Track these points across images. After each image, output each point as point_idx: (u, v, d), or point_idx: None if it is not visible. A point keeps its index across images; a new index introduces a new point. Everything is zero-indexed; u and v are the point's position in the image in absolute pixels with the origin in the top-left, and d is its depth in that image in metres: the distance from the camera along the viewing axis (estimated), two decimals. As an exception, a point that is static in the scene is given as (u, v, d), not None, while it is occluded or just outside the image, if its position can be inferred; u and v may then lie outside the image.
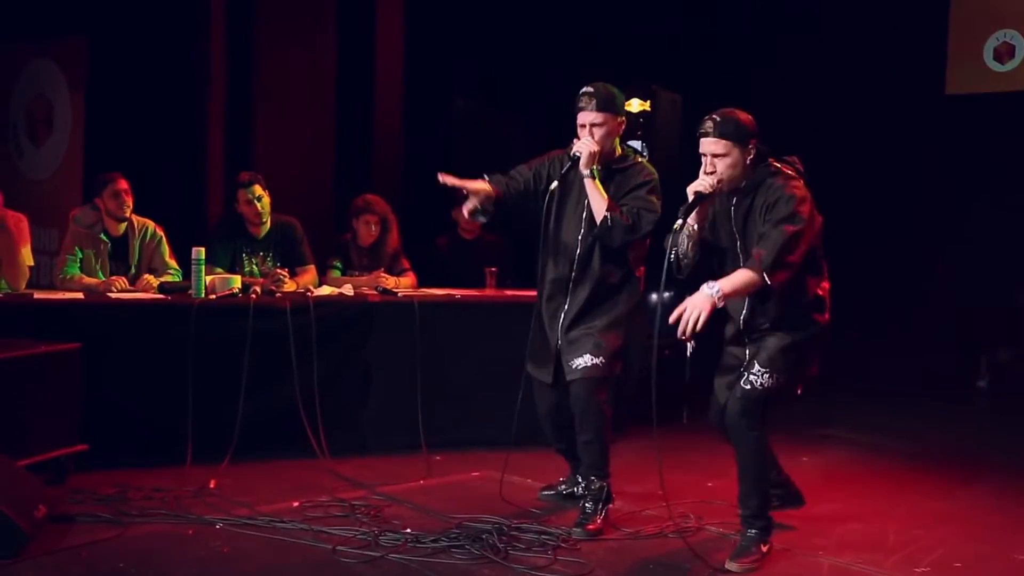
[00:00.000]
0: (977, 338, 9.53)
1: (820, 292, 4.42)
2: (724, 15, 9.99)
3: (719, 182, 4.28)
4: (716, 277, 4.24)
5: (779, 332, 4.34)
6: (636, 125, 8.19)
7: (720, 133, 4.26)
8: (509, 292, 6.76)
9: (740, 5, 10.06)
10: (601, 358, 4.78)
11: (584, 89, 4.76)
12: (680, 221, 4.28)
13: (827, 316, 4.44)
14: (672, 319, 4.11)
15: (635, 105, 8.28)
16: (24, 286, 6.16)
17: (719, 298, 4.12)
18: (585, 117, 4.74)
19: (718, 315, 4.31)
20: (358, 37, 8.97)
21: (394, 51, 9.15)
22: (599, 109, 4.72)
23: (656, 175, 4.86)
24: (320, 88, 8.80)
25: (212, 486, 5.31)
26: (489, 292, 6.79)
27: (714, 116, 4.29)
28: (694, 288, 4.21)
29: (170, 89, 8.21)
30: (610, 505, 4.91)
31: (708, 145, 4.29)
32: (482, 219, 4.98)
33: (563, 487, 5.33)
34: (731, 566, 4.33)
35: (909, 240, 10.01)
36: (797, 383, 4.44)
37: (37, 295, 6.01)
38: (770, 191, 4.26)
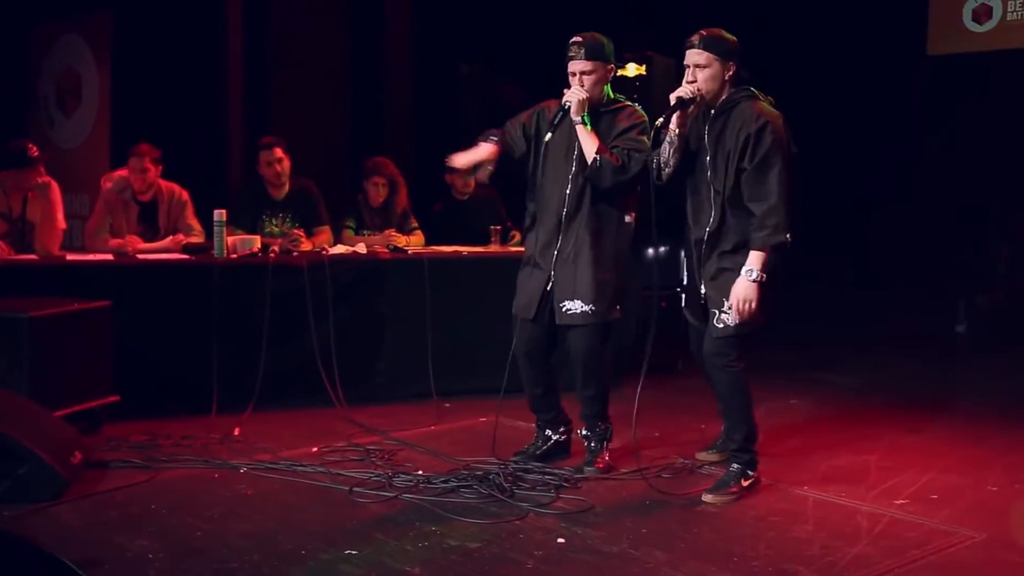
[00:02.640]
0: (956, 285, 9.55)
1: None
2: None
3: (699, 91, 4.32)
4: (688, 188, 4.42)
5: (740, 269, 4.29)
6: (632, 89, 8.15)
7: (704, 45, 4.33)
8: (512, 248, 6.78)
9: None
10: (592, 305, 4.69)
11: (573, 39, 4.67)
12: (662, 119, 4.33)
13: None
14: (738, 320, 4.28)
15: (631, 70, 8.25)
16: (58, 248, 6.20)
17: (759, 278, 4.22)
18: (575, 66, 4.67)
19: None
20: (370, 5, 8.94)
21: (404, 19, 9.12)
22: (588, 57, 4.64)
23: (646, 117, 4.75)
24: (333, 56, 8.79)
25: (236, 433, 5.38)
26: (494, 248, 6.81)
27: (702, 31, 4.37)
28: (679, 240, 4.30)
29: (191, 61, 8.22)
30: (611, 444, 4.93)
31: (692, 56, 4.36)
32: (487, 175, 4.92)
33: (538, 444, 5.05)
34: (707, 498, 4.38)
35: (892, 193, 10.01)
36: (765, 315, 4.39)
37: (70, 257, 6.05)
38: (745, 114, 4.29)
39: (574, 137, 4.70)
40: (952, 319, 9.43)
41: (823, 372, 7.45)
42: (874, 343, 8.67)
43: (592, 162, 4.61)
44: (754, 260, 4.25)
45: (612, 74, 4.79)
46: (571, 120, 4.68)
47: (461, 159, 4.80)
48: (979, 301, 9.71)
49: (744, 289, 4.26)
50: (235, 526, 4.01)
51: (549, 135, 4.71)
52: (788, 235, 4.21)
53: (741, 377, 4.45)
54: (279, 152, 6.60)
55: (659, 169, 4.49)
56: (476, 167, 4.85)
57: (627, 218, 4.81)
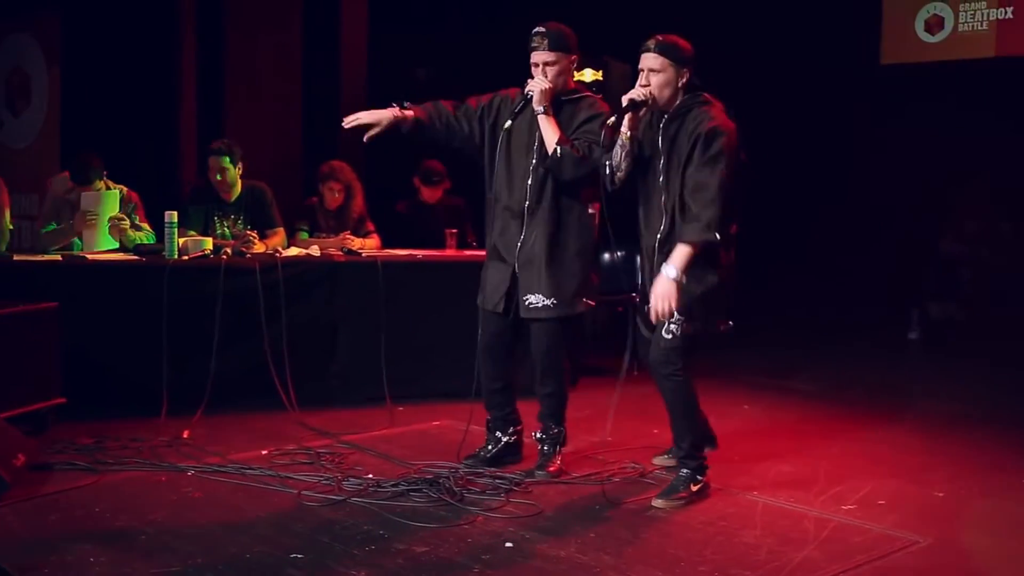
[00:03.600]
0: (909, 292, 9.65)
1: (731, 232, 4.37)
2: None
3: (651, 95, 4.33)
4: (640, 194, 4.44)
5: (691, 276, 4.26)
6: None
7: (659, 50, 4.33)
8: (468, 252, 6.77)
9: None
10: (553, 299, 4.69)
11: (536, 29, 4.65)
12: (612, 120, 4.32)
13: (733, 255, 4.42)
14: (653, 318, 4.28)
15: (588, 75, 8.31)
16: (4, 249, 6.12)
17: (679, 277, 4.19)
18: (538, 56, 4.65)
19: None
20: (324, 11, 8.91)
21: (360, 21, 9.08)
22: (551, 48, 4.63)
23: (608, 108, 4.70)
24: (288, 59, 8.74)
25: (185, 436, 5.31)
26: (449, 252, 6.80)
27: (657, 36, 4.38)
28: (632, 240, 4.34)
29: (144, 61, 8.15)
30: (564, 449, 4.92)
31: (647, 60, 4.36)
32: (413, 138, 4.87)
33: (489, 448, 5.01)
34: (657, 503, 4.39)
35: (846, 200, 10.10)
36: (715, 324, 4.41)
37: (17, 257, 5.97)
38: (698, 118, 4.30)
39: (535, 128, 4.68)
40: (905, 327, 9.51)
41: (776, 378, 7.50)
42: (827, 350, 8.73)
43: (552, 153, 4.59)
44: (678, 257, 4.19)
45: (575, 65, 4.78)
46: (533, 111, 4.65)
47: (353, 119, 4.75)
48: (932, 309, 9.81)
49: (663, 286, 4.19)
50: (180, 529, 3.97)
51: (509, 122, 4.70)
52: (717, 235, 4.19)
53: (686, 385, 4.44)
54: (226, 161, 6.48)
55: (611, 174, 4.48)
56: (368, 127, 4.76)
57: (590, 210, 4.77)
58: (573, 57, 4.74)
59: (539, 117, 4.64)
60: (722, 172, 4.21)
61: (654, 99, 4.35)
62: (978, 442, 5.72)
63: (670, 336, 4.36)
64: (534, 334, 4.80)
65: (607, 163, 4.47)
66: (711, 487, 4.58)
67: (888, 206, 9.93)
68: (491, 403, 5.04)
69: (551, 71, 4.65)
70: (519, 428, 5.05)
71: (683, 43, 4.39)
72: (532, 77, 4.69)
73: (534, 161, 4.71)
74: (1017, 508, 4.61)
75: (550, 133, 4.61)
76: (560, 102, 4.72)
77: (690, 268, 4.24)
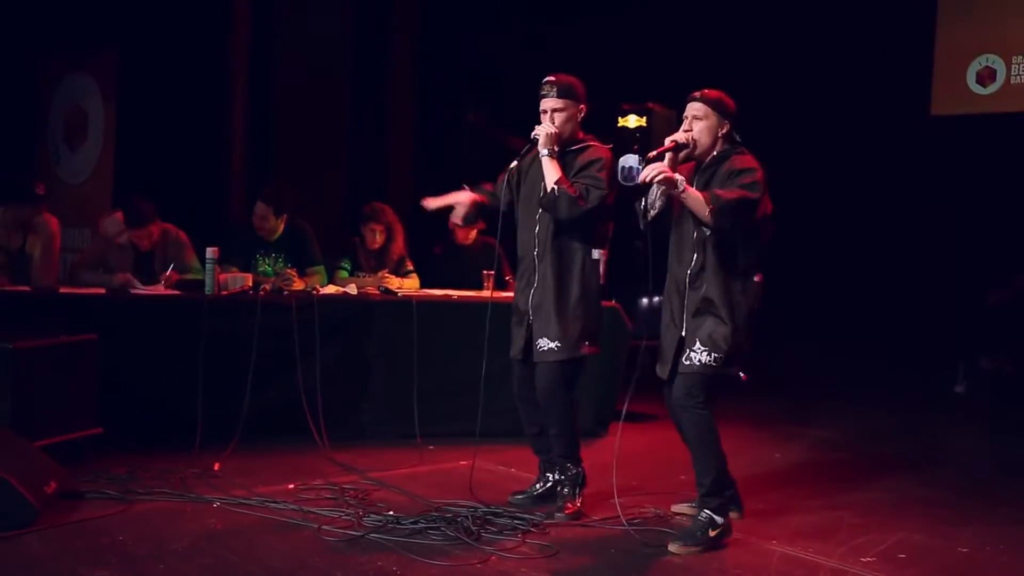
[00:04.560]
0: (956, 344, 9.54)
1: (756, 280, 4.50)
2: (718, 36, 10.04)
3: (693, 139, 4.50)
4: (673, 227, 4.57)
5: (715, 315, 4.42)
6: (633, 140, 8.28)
7: (704, 100, 4.54)
8: (503, 293, 6.82)
9: (733, 26, 10.10)
10: (557, 342, 4.78)
11: (546, 79, 4.84)
12: (654, 152, 4.46)
13: (758, 306, 4.52)
14: (640, 178, 4.33)
15: (632, 121, 8.37)
16: (54, 283, 6.30)
17: (682, 187, 4.27)
18: (546, 103, 4.82)
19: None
20: (373, 52, 9.08)
21: (408, 63, 9.26)
22: (559, 96, 4.79)
23: (609, 155, 4.86)
24: (336, 97, 8.92)
25: (216, 468, 5.40)
26: (485, 293, 6.86)
27: (705, 89, 4.58)
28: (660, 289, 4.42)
29: (195, 99, 8.36)
30: (584, 490, 4.94)
31: (692, 108, 4.57)
32: (473, 222, 5.15)
33: (537, 487, 5.14)
34: (672, 547, 4.39)
35: (896, 252, 10.04)
36: (735, 366, 4.47)
37: (63, 290, 6.14)
38: (734, 163, 4.47)
39: (543, 178, 4.79)
40: (952, 379, 9.40)
41: (813, 428, 7.43)
42: (870, 402, 8.66)
43: (550, 192, 4.71)
44: (693, 191, 4.32)
45: (582, 114, 4.89)
46: (539, 158, 4.80)
47: (433, 202, 5.05)
48: (984, 363, 9.68)
49: (656, 166, 4.30)
50: (197, 559, 4.04)
51: (515, 163, 4.91)
52: (712, 211, 4.26)
53: (709, 420, 4.49)
54: (267, 210, 6.67)
55: (645, 210, 4.59)
56: (468, 216, 5.12)
57: (595, 254, 4.87)
58: (581, 107, 4.87)
59: (543, 159, 4.76)
60: (747, 193, 4.32)
61: (695, 143, 4.52)
62: (1012, 498, 5.64)
63: (689, 364, 4.44)
64: (537, 374, 4.89)
65: (642, 199, 4.60)
66: (731, 530, 4.55)
67: (937, 256, 9.85)
68: (534, 447, 5.19)
69: (558, 117, 4.80)
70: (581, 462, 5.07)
71: (727, 98, 4.60)
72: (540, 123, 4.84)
73: (541, 209, 4.83)
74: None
75: (551, 173, 4.73)
76: (565, 152, 4.84)
77: (724, 296, 4.40)
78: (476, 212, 5.12)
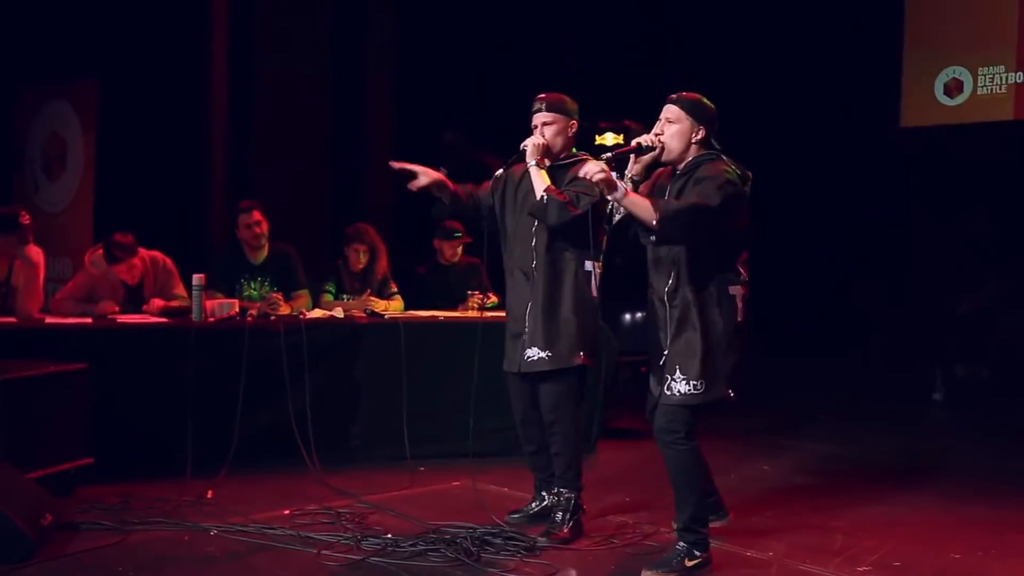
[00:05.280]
0: (931, 352, 9.63)
1: (735, 291, 4.29)
2: (691, 51, 10.12)
3: (661, 142, 4.31)
4: (649, 247, 4.37)
5: (691, 335, 4.23)
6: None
7: (679, 103, 4.34)
8: (489, 313, 6.82)
9: (709, 44, 10.18)
10: (548, 351, 4.76)
11: (538, 96, 4.90)
12: (610, 154, 4.28)
13: (739, 317, 4.29)
14: (580, 173, 4.16)
15: (609, 139, 8.43)
16: (38, 314, 6.25)
17: (622, 192, 4.09)
18: (536, 118, 4.88)
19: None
20: (351, 76, 9.10)
21: (386, 85, 9.27)
22: (547, 110, 4.85)
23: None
24: (315, 121, 8.92)
25: (209, 496, 5.37)
26: (471, 313, 6.87)
27: (682, 92, 4.40)
28: (642, 304, 4.35)
29: (175, 127, 8.33)
30: (580, 515, 4.88)
31: (666, 110, 4.36)
32: (443, 214, 5.13)
33: (533, 507, 5.11)
34: (647, 574, 4.26)
35: (870, 262, 10.12)
36: (721, 387, 4.25)
37: (48, 320, 6.09)
38: (705, 170, 4.24)
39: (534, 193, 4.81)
40: (929, 387, 9.48)
41: (797, 439, 7.49)
42: (849, 412, 8.71)
43: (539, 199, 4.72)
44: (634, 196, 4.15)
45: (573, 130, 4.92)
46: (528, 169, 4.82)
47: (400, 164, 5.03)
48: (959, 370, 9.77)
49: (599, 165, 4.12)
50: (200, 589, 4.03)
51: (501, 171, 4.95)
52: (658, 219, 4.03)
53: (689, 455, 4.28)
54: (257, 215, 6.68)
55: (610, 215, 4.49)
56: (428, 190, 5.03)
57: (587, 265, 4.84)
58: (572, 122, 4.90)
59: (530, 169, 4.79)
60: (700, 202, 4.10)
61: (664, 148, 4.32)
62: (999, 504, 5.70)
63: (670, 394, 4.25)
64: (541, 391, 4.88)
65: (609, 205, 4.47)
66: (711, 562, 4.37)
67: (908, 266, 9.95)
68: (531, 465, 5.16)
69: (548, 131, 4.85)
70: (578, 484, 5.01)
71: (706, 103, 4.38)
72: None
73: (536, 222, 4.83)
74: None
75: (539, 183, 4.75)
76: (556, 167, 4.87)
77: (697, 326, 4.22)
78: (446, 200, 5.02)
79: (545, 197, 4.70)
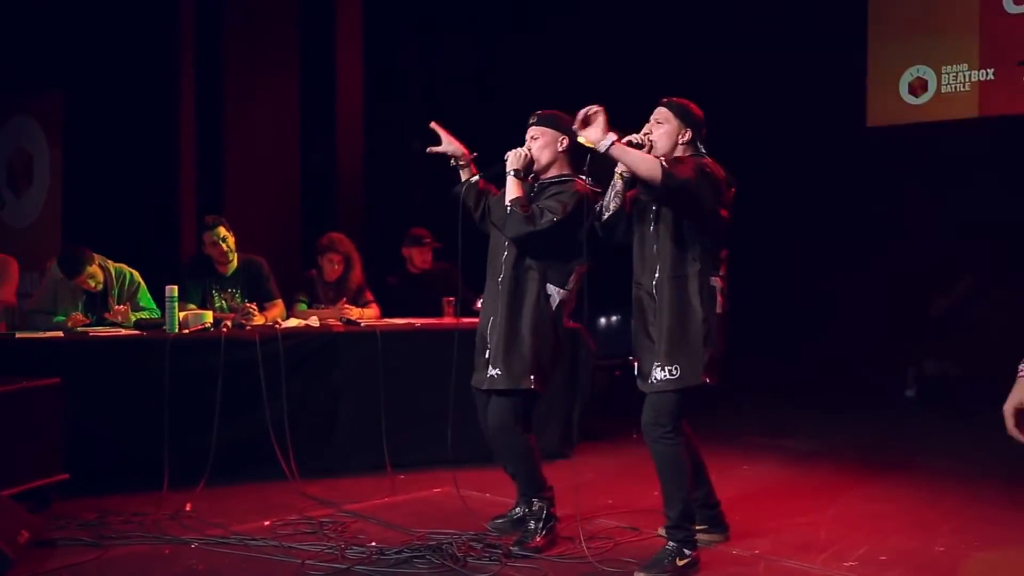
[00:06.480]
0: (903, 350, 9.67)
1: (715, 283, 4.37)
2: (656, 51, 10.11)
3: (649, 140, 4.43)
4: (635, 242, 4.48)
5: (672, 324, 4.29)
6: (582, 162, 8.30)
7: (668, 106, 4.51)
8: (466, 320, 6.77)
9: (673, 41, 10.18)
10: (499, 369, 4.68)
11: (533, 112, 4.88)
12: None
13: (719, 309, 4.37)
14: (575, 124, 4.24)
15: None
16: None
17: (611, 140, 4.14)
18: (528, 132, 4.85)
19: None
20: (320, 86, 9.04)
21: (355, 95, 9.22)
22: (538, 124, 4.82)
23: (577, 190, 4.65)
24: (286, 132, 8.85)
25: (188, 508, 5.29)
26: (447, 320, 6.82)
27: (673, 97, 4.55)
28: (616, 308, 4.33)
29: (143, 140, 8.24)
30: (554, 523, 4.81)
31: (655, 112, 4.52)
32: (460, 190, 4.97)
33: (516, 511, 5.04)
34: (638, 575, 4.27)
35: (838, 261, 10.14)
36: (698, 374, 4.30)
37: (19, 335, 5.99)
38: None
39: None
40: (901, 384, 9.52)
41: (774, 438, 7.49)
42: (824, 410, 8.74)
43: (504, 208, 4.68)
44: (626, 149, 4.20)
45: (564, 145, 4.81)
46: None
47: (441, 130, 4.96)
48: (929, 368, 9.81)
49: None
50: (184, 602, 3.95)
51: (476, 177, 4.88)
52: (663, 173, 4.09)
53: (676, 450, 4.33)
54: (222, 231, 6.59)
55: (600, 211, 4.56)
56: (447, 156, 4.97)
57: (549, 289, 4.73)
58: (562, 137, 4.78)
59: (508, 178, 4.74)
60: (692, 175, 4.22)
61: (652, 146, 4.43)
62: (976, 497, 5.72)
63: (653, 383, 4.30)
64: (489, 410, 4.80)
65: (599, 201, 4.56)
66: (700, 561, 4.37)
67: (876, 265, 9.97)
68: (509, 473, 5.06)
69: (534, 144, 4.81)
70: (546, 493, 4.94)
71: (694, 107, 4.55)
72: None
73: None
74: (1017, 560, 4.59)
75: (511, 192, 4.69)
76: (545, 183, 4.79)
77: (678, 315, 4.30)
78: (471, 179, 4.90)
79: (510, 208, 4.66)
